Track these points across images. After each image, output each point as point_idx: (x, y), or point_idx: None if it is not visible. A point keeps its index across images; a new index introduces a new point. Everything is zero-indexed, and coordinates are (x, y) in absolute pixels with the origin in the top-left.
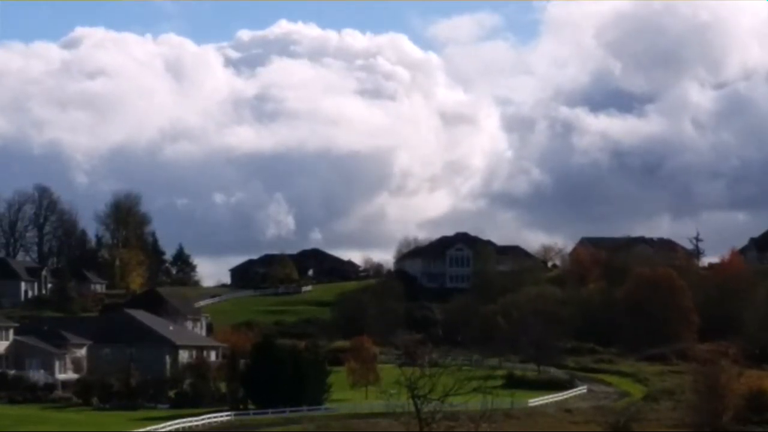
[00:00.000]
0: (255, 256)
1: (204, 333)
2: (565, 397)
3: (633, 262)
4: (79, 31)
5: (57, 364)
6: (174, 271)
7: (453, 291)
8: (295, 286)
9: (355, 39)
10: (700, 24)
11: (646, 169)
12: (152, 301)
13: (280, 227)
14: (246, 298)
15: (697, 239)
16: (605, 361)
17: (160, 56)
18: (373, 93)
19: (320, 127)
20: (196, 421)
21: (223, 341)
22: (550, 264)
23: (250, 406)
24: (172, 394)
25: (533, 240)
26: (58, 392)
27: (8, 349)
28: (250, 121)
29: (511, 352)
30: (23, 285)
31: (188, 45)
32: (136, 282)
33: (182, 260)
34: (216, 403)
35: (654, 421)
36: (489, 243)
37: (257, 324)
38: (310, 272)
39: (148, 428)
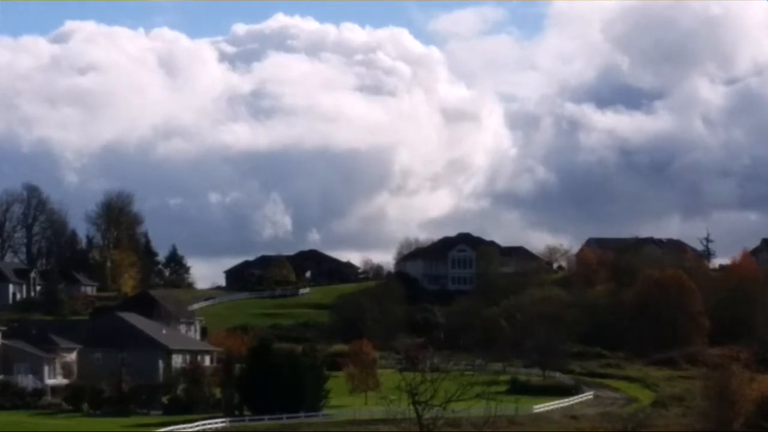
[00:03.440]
0: (251, 258)
1: (198, 337)
2: (571, 403)
3: (641, 263)
4: (69, 25)
5: (46, 368)
6: (167, 273)
7: (455, 293)
8: (292, 289)
9: (355, 33)
10: (711, 18)
11: (654, 168)
12: (145, 304)
13: (276, 228)
14: (241, 301)
15: (708, 240)
16: (612, 365)
17: (153, 51)
18: (373, 89)
19: (318, 124)
20: (190, 427)
21: (218, 345)
22: (555, 265)
23: (246, 413)
24: (165, 399)
25: (538, 241)
26: (48, 398)
27: None
28: (246, 117)
29: (515, 357)
30: (11, 287)
31: (182, 39)
32: (128, 284)
33: (176, 261)
34: (210, 409)
35: (662, 427)
36: (492, 244)
37: (253, 327)
38: (308, 274)
39: None
